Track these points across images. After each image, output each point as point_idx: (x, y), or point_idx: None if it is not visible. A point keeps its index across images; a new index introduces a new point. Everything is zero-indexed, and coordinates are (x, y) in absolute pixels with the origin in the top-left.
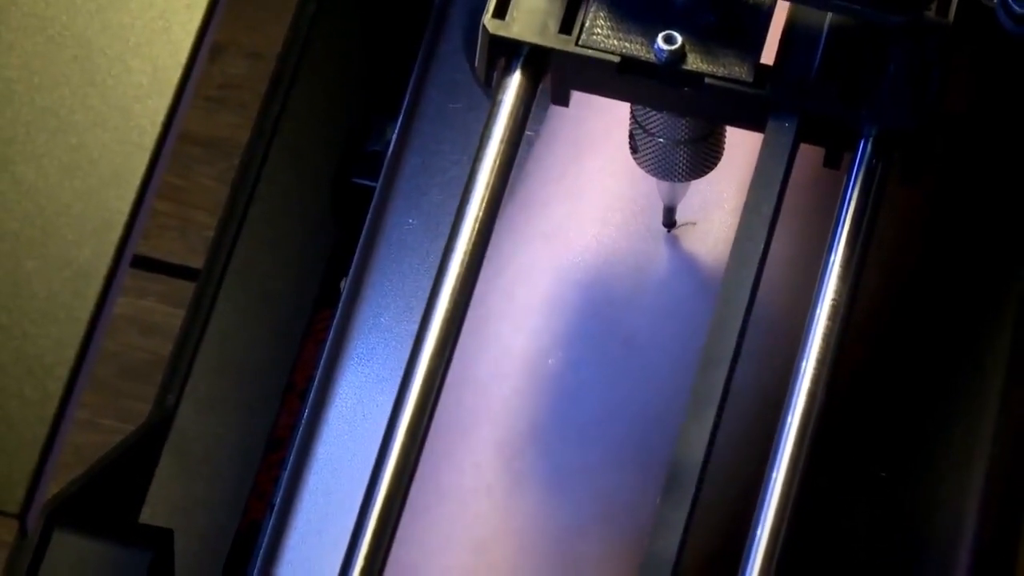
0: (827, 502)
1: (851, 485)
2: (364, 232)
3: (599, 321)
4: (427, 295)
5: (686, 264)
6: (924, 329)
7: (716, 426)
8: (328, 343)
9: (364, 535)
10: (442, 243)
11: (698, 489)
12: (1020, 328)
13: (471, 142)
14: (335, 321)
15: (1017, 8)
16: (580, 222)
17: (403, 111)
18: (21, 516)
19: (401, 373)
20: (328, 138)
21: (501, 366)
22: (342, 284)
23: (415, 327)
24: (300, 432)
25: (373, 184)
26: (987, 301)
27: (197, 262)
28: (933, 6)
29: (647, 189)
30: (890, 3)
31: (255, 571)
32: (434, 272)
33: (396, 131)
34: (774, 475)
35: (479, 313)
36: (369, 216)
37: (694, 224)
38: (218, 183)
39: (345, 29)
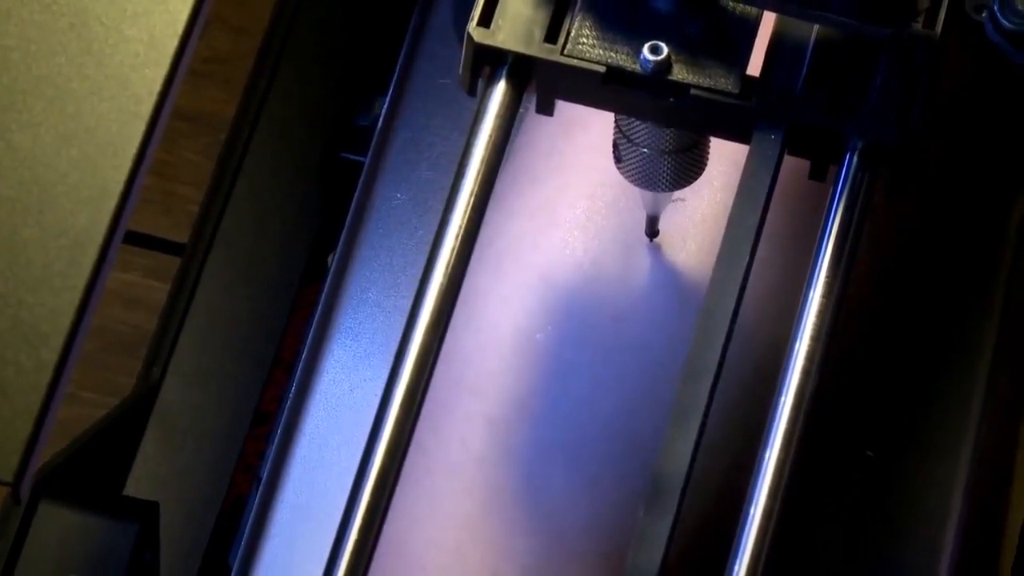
0: (815, 481)
1: (839, 464)
2: (352, 207)
3: (588, 297)
4: (415, 271)
5: (676, 240)
6: (912, 313)
7: (700, 438)
8: (315, 317)
9: (356, 511)
10: (431, 218)
11: (681, 501)
12: (1006, 313)
13: (461, 117)
14: (322, 296)
15: (1006, 23)
16: (569, 198)
17: (392, 86)
18: (14, 484)
19: (388, 348)
20: (316, 112)
21: (489, 340)
22: (330, 259)
23: (403, 302)
24: (287, 406)
25: (362, 159)
26: (974, 285)
27: (182, 236)
28: (920, 19)
29: None
30: (878, 16)
31: (241, 544)
32: (423, 247)
33: (385, 106)
34: (766, 457)
35: (467, 287)
36: (357, 191)
37: (683, 201)
38: (203, 157)
39: (333, 4)
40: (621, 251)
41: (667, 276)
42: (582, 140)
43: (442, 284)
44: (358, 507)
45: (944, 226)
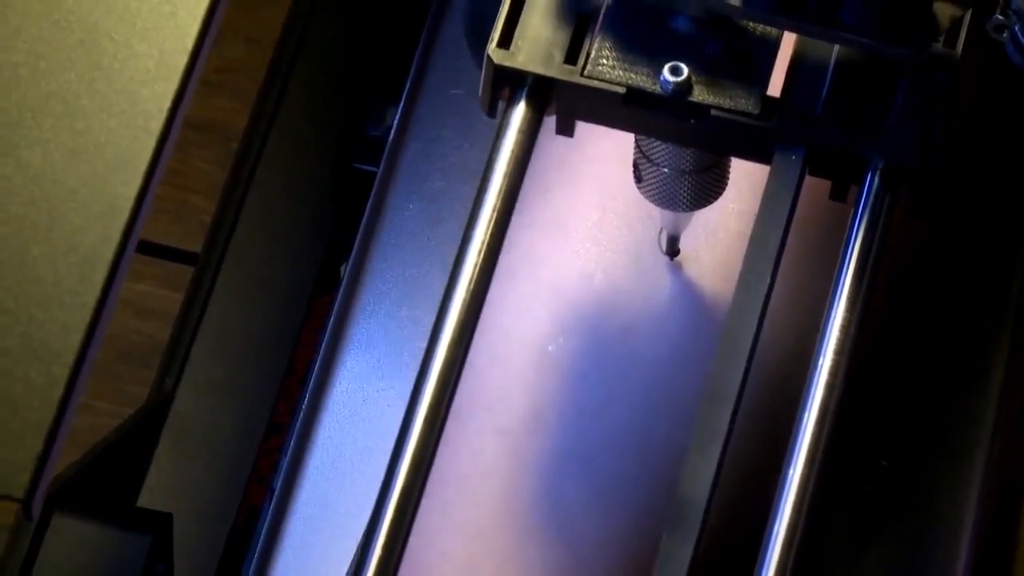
0: (829, 490)
1: (854, 473)
2: (364, 217)
3: (600, 308)
4: (428, 281)
5: (688, 252)
6: (926, 322)
7: (721, 462)
8: (328, 328)
9: (381, 525)
10: (443, 229)
11: (703, 525)
12: (1020, 322)
13: (472, 128)
14: (335, 306)
15: None
16: (580, 209)
17: (404, 96)
18: (25, 501)
19: (401, 358)
20: (328, 123)
21: (501, 352)
22: (342, 269)
23: (415, 312)
24: (300, 417)
25: (374, 169)
26: (988, 294)
27: (194, 246)
28: (941, 39)
29: None
30: (899, 37)
31: (255, 556)
32: (435, 258)
33: (397, 116)
34: (791, 471)
35: None
36: (370, 202)
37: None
38: (215, 167)
39: (345, 14)
40: (633, 262)
41: (679, 287)
42: (593, 151)
43: (464, 301)
44: (382, 523)
45: (958, 235)
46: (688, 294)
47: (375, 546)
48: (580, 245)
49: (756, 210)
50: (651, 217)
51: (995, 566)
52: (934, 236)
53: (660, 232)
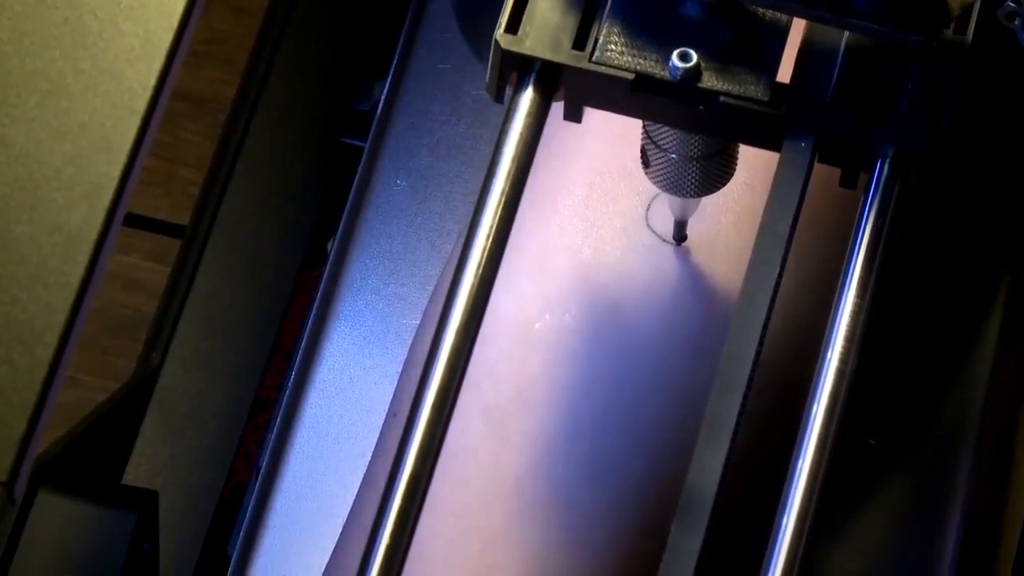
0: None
1: (841, 452)
2: (352, 192)
3: (587, 285)
4: (414, 257)
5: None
6: (916, 301)
7: (731, 452)
8: (315, 304)
9: (388, 515)
10: (430, 204)
11: (712, 516)
12: (1010, 302)
13: (460, 102)
14: (322, 282)
15: None
16: (568, 186)
17: (392, 70)
18: (9, 484)
19: (387, 335)
20: (316, 96)
21: (487, 329)
22: (329, 245)
23: (402, 289)
24: (287, 393)
25: (361, 144)
26: (978, 274)
27: (182, 219)
28: (951, 26)
29: (635, 154)
30: (910, 23)
31: (240, 533)
32: (422, 234)
33: (385, 91)
34: (801, 458)
35: None
36: (357, 176)
37: None
38: (203, 139)
39: None
40: (620, 239)
41: (667, 263)
42: (581, 127)
43: (473, 286)
44: (389, 511)
45: (949, 214)
46: (676, 270)
47: (382, 536)
48: (567, 221)
49: (746, 187)
50: (638, 193)
51: (983, 546)
52: (926, 215)
53: (647, 209)
